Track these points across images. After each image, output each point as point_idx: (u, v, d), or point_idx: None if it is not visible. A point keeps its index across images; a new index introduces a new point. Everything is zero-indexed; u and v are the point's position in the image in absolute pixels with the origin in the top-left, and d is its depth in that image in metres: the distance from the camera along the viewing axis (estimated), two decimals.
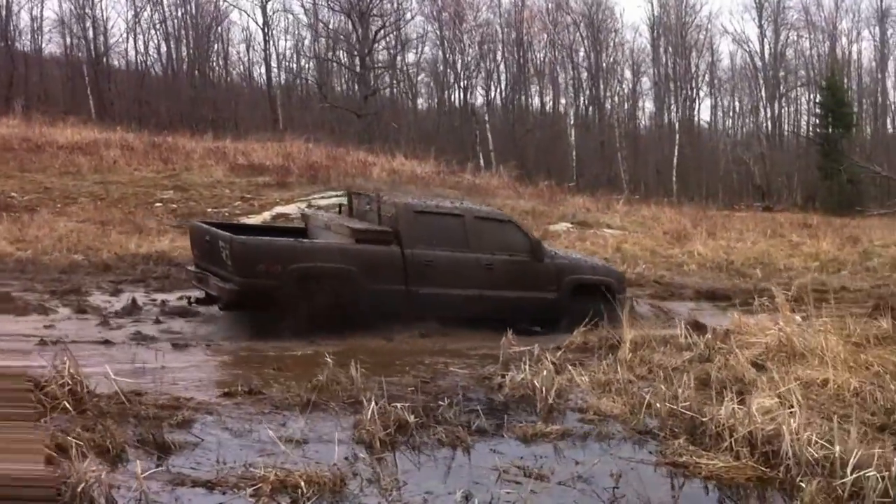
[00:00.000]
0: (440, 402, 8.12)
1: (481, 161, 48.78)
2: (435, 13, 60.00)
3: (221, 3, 57.10)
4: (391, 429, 7.27)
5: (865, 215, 43.18)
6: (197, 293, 12.70)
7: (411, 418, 7.51)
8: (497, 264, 13.02)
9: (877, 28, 67.55)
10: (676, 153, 55.40)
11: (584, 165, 53.89)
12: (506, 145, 53.85)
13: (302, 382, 8.38)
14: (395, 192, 14.78)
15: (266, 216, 20.54)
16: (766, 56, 66.19)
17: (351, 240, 12.28)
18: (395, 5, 55.77)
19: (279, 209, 21.41)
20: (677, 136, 57.44)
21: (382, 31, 54.40)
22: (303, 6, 58.39)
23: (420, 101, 65.47)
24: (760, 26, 66.06)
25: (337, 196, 23.24)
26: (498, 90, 61.74)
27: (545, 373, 8.95)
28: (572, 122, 58.03)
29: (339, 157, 31.13)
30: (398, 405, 7.65)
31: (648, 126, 65.59)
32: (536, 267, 13.34)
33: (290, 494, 5.88)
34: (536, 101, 63.79)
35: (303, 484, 5.90)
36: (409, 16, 57.24)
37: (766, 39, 66.24)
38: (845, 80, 64.57)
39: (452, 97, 62.53)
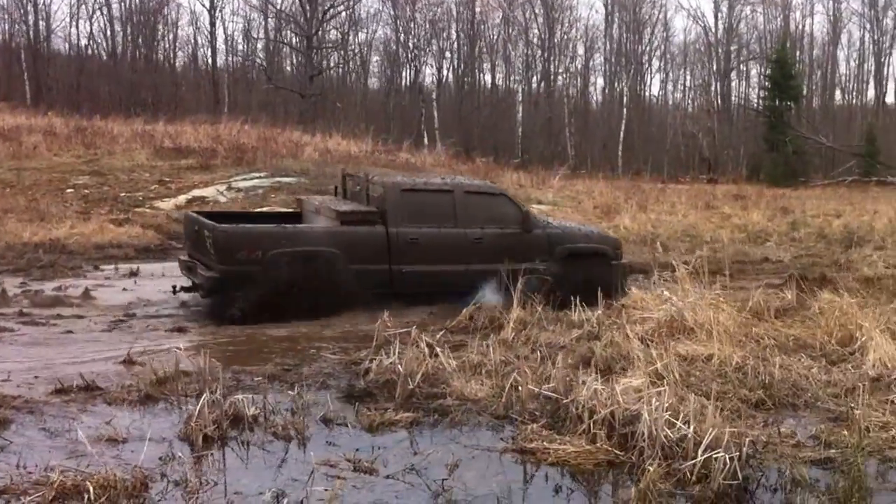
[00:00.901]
0: (290, 392, 7.75)
1: (425, 139, 48.28)
2: None
3: None
4: (224, 423, 6.88)
5: (809, 186, 43.29)
6: (183, 282, 12.44)
7: (250, 411, 7.12)
8: (486, 238, 12.92)
9: (830, 2, 67.88)
10: (623, 128, 55.24)
11: (531, 142, 53.49)
12: (452, 123, 53.40)
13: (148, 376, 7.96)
14: (386, 172, 14.89)
15: (181, 199, 19.99)
16: (720, 31, 66.33)
17: (336, 222, 12.20)
18: None
19: (196, 192, 20.86)
20: (625, 111, 57.24)
21: (331, 11, 53.56)
22: None
23: (373, 80, 64.83)
24: (715, 1, 66.15)
25: (260, 178, 22.78)
26: (450, 69, 61.32)
27: (410, 356, 8.59)
28: (521, 98, 57.59)
29: (270, 137, 30.52)
30: (239, 397, 7.27)
31: (599, 102, 65.45)
32: (528, 238, 13.17)
33: (77, 501, 5.46)
34: (488, 78, 63.39)
35: (91, 489, 5.47)
36: None
37: (720, 14, 66.36)
38: (797, 54, 65.02)
39: (403, 76, 61.99)
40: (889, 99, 68.10)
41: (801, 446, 7.20)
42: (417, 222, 12.51)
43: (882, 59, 67.77)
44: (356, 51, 60.50)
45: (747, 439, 6.73)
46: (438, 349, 9.03)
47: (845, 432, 7.35)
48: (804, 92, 61.63)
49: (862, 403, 7.92)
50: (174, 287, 12.30)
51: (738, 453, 6.49)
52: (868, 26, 68.16)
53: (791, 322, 11.18)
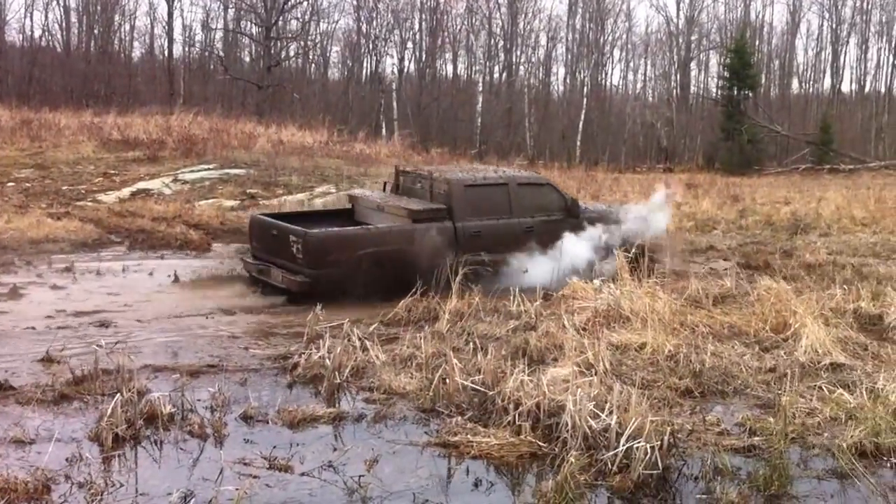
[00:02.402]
0: (210, 389, 7.60)
1: (383, 130, 47.98)
2: None
3: None
4: (137, 422, 6.72)
5: (763, 174, 43.54)
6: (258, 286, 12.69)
7: (165, 409, 6.97)
8: (536, 226, 13.65)
9: None
10: (583, 118, 55.15)
11: (491, 132, 53.32)
12: (412, 114, 53.09)
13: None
14: (445, 168, 15.25)
15: (125, 192, 19.64)
16: (681, 20, 66.60)
17: (408, 220, 12.78)
18: None
19: (142, 185, 20.50)
20: (585, 101, 57.25)
21: (292, 1, 52.98)
22: None
23: (333, 71, 64.29)
24: None
25: (208, 169, 22.49)
26: (412, 59, 60.99)
27: (339, 350, 8.47)
28: (481, 89, 57.41)
29: (223, 129, 30.14)
30: (155, 395, 7.11)
31: (560, 92, 65.45)
32: (572, 224, 13.90)
33: None
34: (450, 68, 63.13)
35: None
36: None
37: (682, 4, 66.59)
38: (756, 43, 65.29)
39: (364, 67, 61.56)
40: (845, 88, 68.73)
41: (726, 434, 7.20)
42: (479, 215, 13.23)
43: (839, 48, 68.28)
44: (317, 41, 59.96)
45: (670, 428, 6.69)
46: (369, 343, 8.92)
47: (771, 419, 7.34)
48: (762, 81, 61.95)
49: (789, 390, 7.94)
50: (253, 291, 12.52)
51: (659, 442, 6.45)
52: (827, 15, 68.68)
53: (728, 309, 11.17)
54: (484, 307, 10.88)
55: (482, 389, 7.76)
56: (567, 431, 6.79)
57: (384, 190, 14.70)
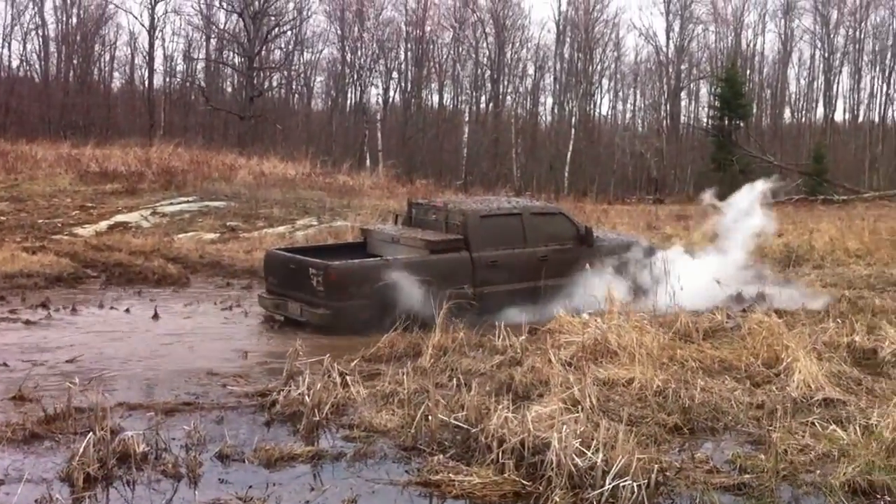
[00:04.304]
0: (185, 427, 7.36)
1: (367, 161, 47.87)
2: (337, 11, 58.76)
3: (106, 4, 55.08)
4: (110, 461, 6.49)
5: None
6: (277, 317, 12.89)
7: (139, 448, 6.73)
8: (550, 255, 13.81)
9: (782, 20, 68.71)
10: (571, 148, 55.12)
11: (477, 163, 53.22)
12: (397, 144, 53.05)
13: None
14: (458, 200, 15.70)
15: (102, 225, 19.40)
16: (671, 50, 66.84)
17: (426, 251, 12.93)
18: (294, 4, 54.62)
19: (119, 217, 20.27)
20: (573, 132, 57.29)
21: (276, 31, 53.00)
22: (193, 7, 56.52)
23: (317, 101, 64.24)
24: (668, 20, 66.68)
25: (188, 202, 22.28)
26: (397, 89, 61.01)
27: (319, 386, 8.27)
28: (467, 119, 57.45)
29: (203, 161, 29.95)
30: (129, 434, 6.88)
31: (548, 122, 65.53)
32: (584, 252, 14.05)
33: None
34: (436, 98, 63.18)
35: None
36: (307, 14, 56.08)
37: (672, 33, 66.83)
38: (748, 73, 65.53)
39: (349, 97, 61.54)
40: (838, 117, 69.06)
41: (715, 472, 7.00)
42: (494, 245, 13.35)
43: (832, 78, 68.67)
44: (300, 71, 59.92)
45: (658, 466, 6.51)
46: (350, 378, 8.72)
47: (762, 456, 7.18)
48: (753, 111, 62.03)
49: (781, 426, 7.78)
50: (271, 325, 12.62)
51: (646, 481, 6.28)
52: (819, 45, 69.08)
53: (719, 344, 11.01)
54: (468, 342, 10.69)
55: (465, 426, 7.55)
56: (552, 470, 6.60)
57: (395, 223, 14.82)
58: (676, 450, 7.52)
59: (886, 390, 9.17)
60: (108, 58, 58.29)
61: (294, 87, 60.86)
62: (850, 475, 6.72)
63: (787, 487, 6.71)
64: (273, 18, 51.79)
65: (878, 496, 6.60)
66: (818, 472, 6.96)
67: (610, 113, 68.64)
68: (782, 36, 68.31)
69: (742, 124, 53.49)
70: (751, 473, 6.89)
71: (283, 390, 8.56)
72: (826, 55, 67.85)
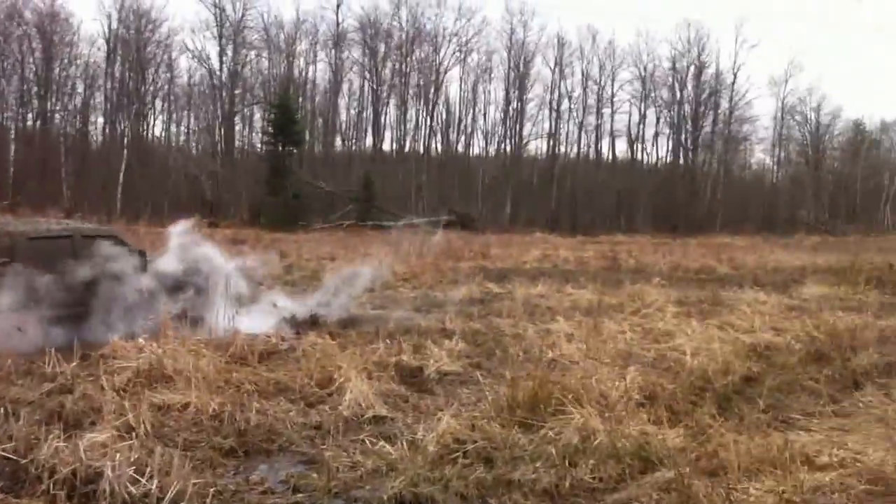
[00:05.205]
0: None
1: None
2: None
3: None
4: None
5: (309, 229, 44.95)
6: None
7: None
8: (103, 278, 13.31)
9: (333, 51, 71.49)
10: (123, 168, 53.57)
11: (25, 183, 49.93)
12: None
13: None
14: (5, 221, 15.02)
15: None
16: (225, 74, 67.11)
17: None
18: None
19: None
20: (125, 152, 55.67)
21: None
22: None
23: None
24: (221, 44, 66.82)
25: None
26: None
27: None
28: (14, 136, 53.74)
29: None
30: None
31: (99, 142, 63.15)
32: (139, 275, 13.79)
33: None
34: None
35: None
36: None
37: (225, 57, 67.10)
38: (301, 100, 67.62)
39: None
40: (386, 147, 73.27)
41: (270, 493, 7.13)
42: (44, 267, 12.67)
43: (380, 109, 72.76)
44: None
45: (212, 490, 6.54)
46: None
47: (315, 475, 7.39)
48: (307, 137, 64.21)
49: (333, 444, 8.11)
50: None
51: (205, 502, 6.29)
52: (368, 76, 72.86)
53: (274, 366, 11.24)
54: (16, 369, 10.05)
55: (14, 458, 7.12)
56: (105, 499, 6.45)
57: None
58: (232, 473, 7.56)
59: (431, 406, 9.79)
60: None
61: None
62: (398, 488, 7.04)
63: None
64: None
65: None
66: (368, 487, 7.25)
67: (164, 134, 67.94)
68: (333, 66, 71.50)
69: (295, 150, 55.37)
70: (304, 492, 7.08)
71: None
72: (374, 87, 72.10)
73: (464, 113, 75.75)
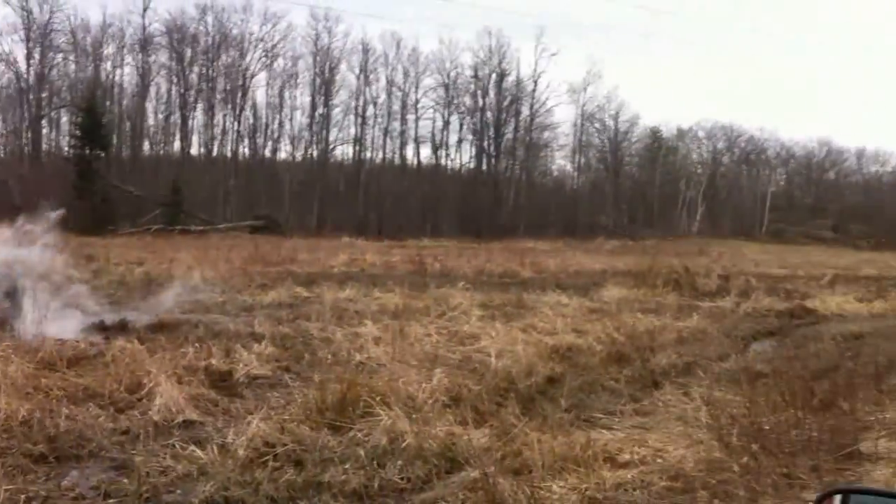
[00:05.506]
0: None
1: None
2: None
3: None
4: None
5: (117, 234, 43.80)
6: None
7: None
8: None
9: (140, 54, 69.76)
10: None
11: None
12: None
13: None
14: None
15: None
16: (32, 77, 64.84)
17: None
18: None
19: None
20: None
21: None
22: None
23: None
24: (28, 47, 64.57)
25: None
26: None
27: None
28: None
29: None
30: None
31: None
32: None
33: None
34: None
35: None
36: None
37: (32, 60, 64.81)
38: (109, 104, 65.86)
39: None
40: (194, 151, 72.03)
41: (81, 498, 7.17)
42: None
43: (187, 113, 71.46)
44: None
45: (24, 496, 6.62)
46: None
47: (126, 480, 7.44)
48: (114, 141, 62.67)
49: (143, 449, 8.23)
50: None
51: None
52: (175, 80, 71.45)
53: (83, 371, 11.13)
54: None
55: None
56: None
57: None
58: (43, 479, 7.58)
59: (241, 409, 9.87)
60: None
61: None
62: (208, 492, 7.13)
63: None
64: None
65: None
66: (179, 491, 7.33)
67: None
68: (140, 69, 70.06)
69: (103, 154, 54.06)
70: (115, 497, 7.14)
71: None
72: (182, 91, 70.91)
73: (271, 118, 75.68)
